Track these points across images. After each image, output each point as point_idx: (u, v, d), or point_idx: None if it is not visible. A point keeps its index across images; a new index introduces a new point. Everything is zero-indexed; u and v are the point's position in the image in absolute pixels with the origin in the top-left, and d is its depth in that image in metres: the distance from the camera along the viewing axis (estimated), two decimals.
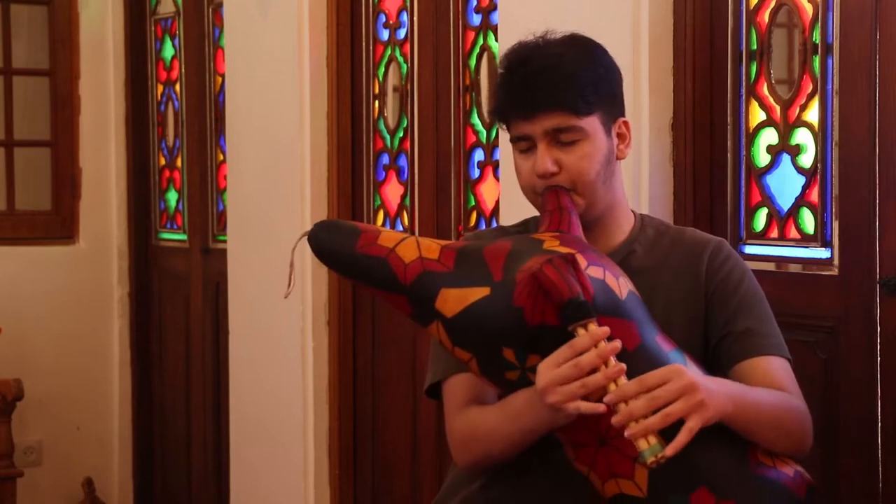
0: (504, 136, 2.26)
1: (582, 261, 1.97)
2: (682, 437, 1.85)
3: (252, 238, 4.28)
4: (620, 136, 2.19)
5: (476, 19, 3.55)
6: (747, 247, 2.81)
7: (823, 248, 2.64)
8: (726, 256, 2.19)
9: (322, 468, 4.04)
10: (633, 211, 2.26)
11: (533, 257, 1.96)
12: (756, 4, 2.77)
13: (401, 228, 3.85)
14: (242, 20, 4.29)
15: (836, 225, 2.60)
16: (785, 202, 2.73)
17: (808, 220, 2.68)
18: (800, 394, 2.12)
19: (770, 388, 2.06)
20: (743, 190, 2.81)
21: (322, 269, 4.00)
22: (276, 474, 4.18)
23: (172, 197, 5.13)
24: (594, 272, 1.98)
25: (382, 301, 2.09)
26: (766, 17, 2.76)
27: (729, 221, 2.82)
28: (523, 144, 2.13)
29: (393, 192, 3.88)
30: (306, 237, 2.04)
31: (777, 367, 2.11)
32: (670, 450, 1.84)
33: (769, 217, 2.77)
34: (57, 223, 5.24)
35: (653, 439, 1.84)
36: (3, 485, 4.58)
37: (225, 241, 4.54)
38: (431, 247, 2.01)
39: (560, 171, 2.11)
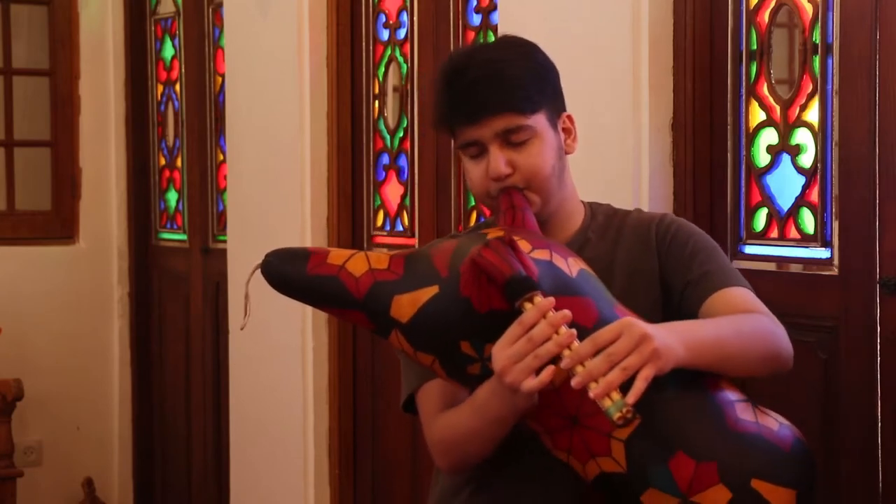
0: None
1: (525, 245, 1.98)
2: (640, 384, 1.84)
3: (252, 238, 4.28)
4: (566, 131, 2.21)
5: (476, 19, 3.55)
6: (747, 247, 2.81)
7: (823, 248, 2.64)
8: (671, 220, 2.22)
9: (322, 468, 4.04)
10: (582, 201, 2.28)
11: (472, 251, 1.97)
12: (756, 4, 2.77)
13: (400, 228, 3.86)
14: (242, 20, 4.29)
15: (836, 225, 2.60)
16: (785, 202, 2.73)
17: (808, 220, 2.68)
18: (767, 311, 2.11)
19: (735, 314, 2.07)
20: (743, 190, 2.81)
21: None
22: (276, 474, 4.19)
23: (172, 197, 5.13)
24: (539, 255, 1.98)
25: (344, 321, 2.10)
26: (766, 17, 2.76)
27: (729, 221, 2.82)
28: (473, 150, 2.14)
29: (393, 192, 3.88)
30: (259, 270, 2.05)
31: (737, 294, 2.11)
32: (631, 397, 1.82)
33: (769, 217, 2.77)
34: (57, 223, 5.25)
35: (616, 395, 1.82)
36: (3, 485, 4.58)
37: (225, 241, 4.54)
38: (381, 258, 2.02)
39: (514, 172, 2.12)
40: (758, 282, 2.72)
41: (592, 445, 1.94)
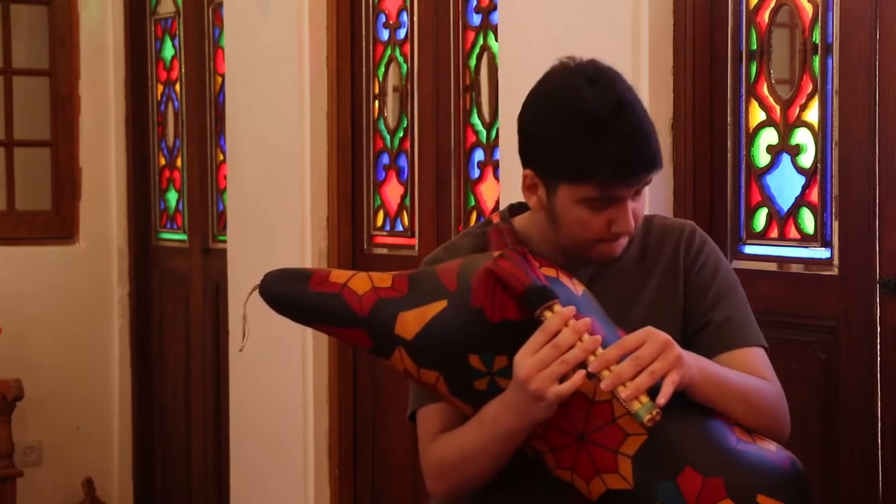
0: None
1: (534, 260, 1.98)
2: (668, 387, 1.86)
3: (252, 238, 4.28)
4: None
5: (476, 19, 3.55)
6: (747, 247, 2.81)
7: (823, 248, 2.64)
8: (701, 243, 2.17)
9: (322, 468, 4.04)
10: None
11: (484, 263, 1.96)
12: (756, 4, 2.77)
13: (400, 228, 3.86)
14: (242, 20, 4.29)
15: (836, 225, 2.60)
16: (785, 202, 2.73)
17: (808, 220, 2.68)
18: (777, 381, 2.11)
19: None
20: (743, 190, 2.81)
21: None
22: (276, 474, 4.19)
23: (172, 197, 5.13)
24: (547, 271, 1.99)
25: (344, 341, 2.08)
26: (766, 17, 2.76)
27: (729, 221, 2.82)
28: (602, 203, 2.01)
29: (393, 192, 3.88)
30: (258, 290, 2.03)
31: (755, 356, 2.11)
32: (661, 399, 1.85)
33: (769, 217, 2.77)
34: (57, 223, 5.24)
35: (644, 398, 1.85)
36: (3, 485, 4.58)
37: (225, 241, 4.54)
38: (383, 277, 2.01)
39: None
40: (758, 282, 2.72)
41: (599, 462, 1.94)
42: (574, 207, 2.02)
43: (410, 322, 1.96)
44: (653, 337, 1.91)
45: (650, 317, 2.08)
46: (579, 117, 1.97)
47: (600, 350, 1.88)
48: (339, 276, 2.01)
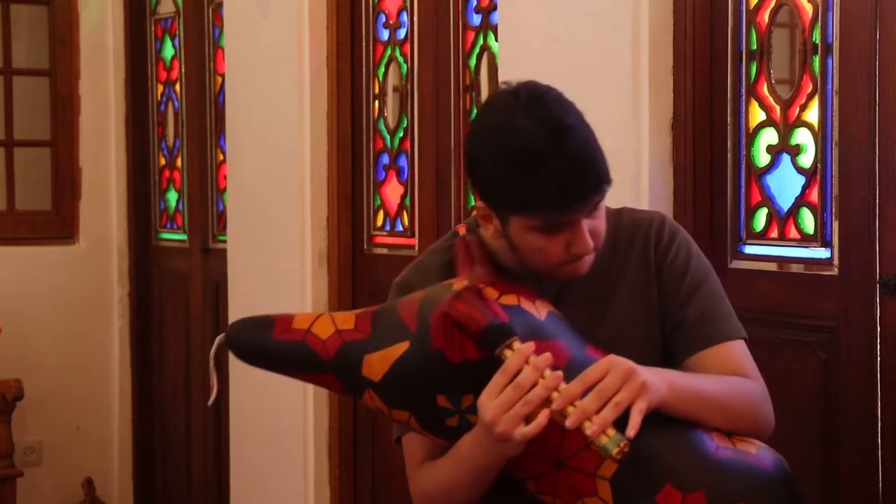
0: None
1: (492, 292, 1.96)
2: (636, 417, 1.83)
3: (252, 238, 4.28)
4: None
5: (476, 19, 3.55)
6: (747, 247, 2.81)
7: (823, 248, 2.64)
8: (671, 235, 2.12)
9: (322, 468, 4.04)
10: None
11: (442, 300, 1.95)
12: (756, 4, 2.77)
13: (400, 228, 3.86)
14: (242, 20, 4.29)
15: (836, 225, 2.60)
16: (785, 202, 2.73)
17: (808, 220, 2.68)
18: (757, 375, 2.08)
19: (726, 374, 2.04)
20: (743, 190, 2.81)
21: (322, 269, 4.00)
22: (276, 474, 4.19)
23: (172, 197, 5.13)
24: (507, 300, 1.96)
25: (317, 385, 2.07)
26: (766, 17, 2.75)
27: (729, 221, 2.82)
28: (555, 229, 1.97)
29: (393, 192, 3.88)
30: (224, 342, 2.02)
31: (732, 351, 2.07)
32: (631, 430, 1.82)
33: (769, 217, 2.77)
34: (57, 223, 5.25)
35: (611, 431, 1.82)
36: (3, 485, 4.58)
37: (225, 241, 4.54)
38: (346, 318, 1.99)
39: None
40: (758, 282, 2.73)
41: (579, 487, 1.93)
42: (528, 236, 1.99)
43: (376, 364, 1.95)
44: (615, 367, 1.87)
45: (624, 318, 2.07)
46: (515, 151, 1.94)
47: (563, 385, 1.86)
48: (302, 321, 2.00)
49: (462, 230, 2.15)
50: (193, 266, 4.92)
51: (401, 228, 3.86)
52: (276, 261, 4.12)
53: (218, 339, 2.03)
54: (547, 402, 1.86)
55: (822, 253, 2.64)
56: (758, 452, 1.97)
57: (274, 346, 1.99)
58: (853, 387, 2.56)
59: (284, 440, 4.13)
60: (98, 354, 5.24)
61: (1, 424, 4.62)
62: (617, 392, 1.85)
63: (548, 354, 1.88)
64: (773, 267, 2.74)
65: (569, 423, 1.83)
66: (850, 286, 2.57)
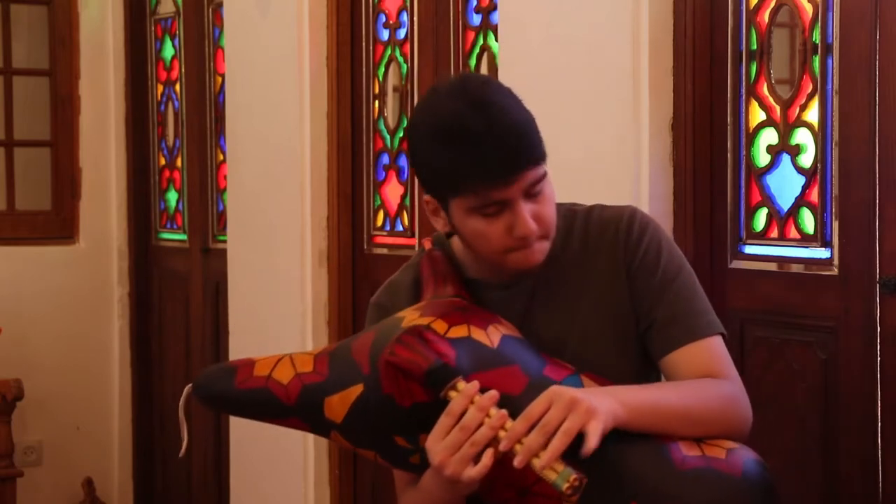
0: None
1: (441, 325, 1.95)
2: (591, 440, 1.81)
3: (252, 238, 4.28)
4: None
5: (476, 19, 3.55)
6: (747, 247, 2.81)
7: (823, 248, 2.64)
8: (640, 230, 2.07)
9: (322, 468, 4.04)
10: None
11: (389, 341, 1.94)
12: (756, 4, 2.77)
13: (400, 228, 3.86)
14: (242, 20, 4.29)
15: (836, 225, 2.60)
16: (785, 202, 2.73)
17: (808, 220, 2.68)
18: (731, 372, 2.04)
19: (700, 377, 2.00)
20: (743, 190, 2.81)
21: (322, 269, 4.00)
22: (276, 474, 4.18)
23: (172, 197, 5.13)
24: (457, 332, 1.95)
25: (286, 427, 2.08)
26: (766, 17, 2.76)
27: (729, 221, 2.82)
28: (492, 209, 1.96)
29: (393, 192, 3.88)
30: (191, 391, 2.03)
31: (703, 351, 2.02)
32: (585, 450, 1.80)
33: (769, 217, 2.77)
34: (57, 223, 5.25)
35: (559, 466, 1.80)
36: (3, 485, 4.58)
37: (225, 241, 4.54)
38: (305, 360, 2.00)
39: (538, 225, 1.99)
40: (758, 282, 2.73)
41: None
42: (468, 220, 1.98)
43: (336, 406, 1.96)
44: (558, 398, 1.84)
45: (595, 317, 2.04)
46: (439, 130, 1.95)
47: (509, 423, 1.84)
48: (263, 367, 2.01)
49: (428, 244, 2.14)
50: (193, 266, 4.92)
51: (401, 228, 3.86)
52: (276, 261, 4.12)
53: (187, 389, 2.04)
54: (494, 440, 1.85)
55: (822, 253, 2.64)
56: (728, 457, 1.92)
57: (237, 396, 2.00)
58: (853, 387, 2.56)
59: (284, 440, 4.12)
60: (98, 354, 5.24)
61: (1, 424, 4.63)
62: (561, 423, 1.82)
63: (492, 392, 1.86)
64: (773, 267, 2.74)
65: (516, 461, 1.82)
66: (850, 286, 2.57)
